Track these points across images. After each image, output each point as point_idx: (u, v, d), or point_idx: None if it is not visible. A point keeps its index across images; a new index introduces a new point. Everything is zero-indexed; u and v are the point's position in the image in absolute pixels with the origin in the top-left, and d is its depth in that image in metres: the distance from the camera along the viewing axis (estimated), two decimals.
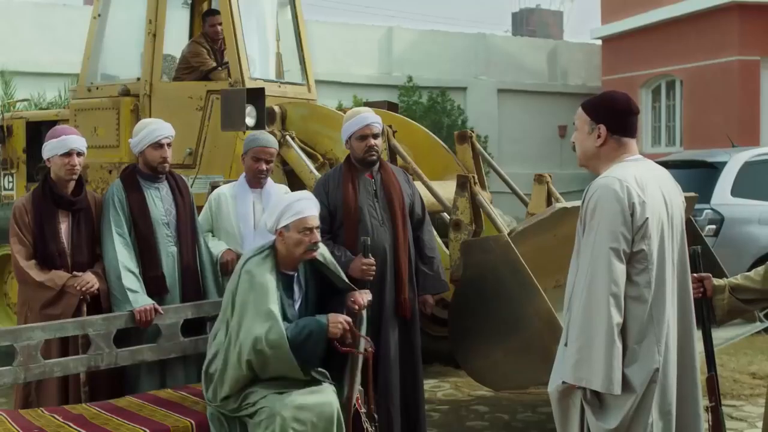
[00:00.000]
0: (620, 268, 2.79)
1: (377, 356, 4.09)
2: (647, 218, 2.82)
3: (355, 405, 3.72)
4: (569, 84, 20.04)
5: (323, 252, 3.81)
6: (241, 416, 3.53)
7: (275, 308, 3.53)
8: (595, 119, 2.96)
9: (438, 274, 4.55)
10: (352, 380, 3.72)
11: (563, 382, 2.87)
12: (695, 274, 3.21)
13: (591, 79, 19.80)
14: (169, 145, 4.40)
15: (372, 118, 4.39)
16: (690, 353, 3.01)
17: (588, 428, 2.86)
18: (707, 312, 3.29)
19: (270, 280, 3.59)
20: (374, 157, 4.36)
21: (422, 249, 4.55)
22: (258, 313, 3.52)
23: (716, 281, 3.38)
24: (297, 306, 3.72)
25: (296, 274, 3.76)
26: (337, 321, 3.58)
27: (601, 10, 18.95)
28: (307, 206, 3.70)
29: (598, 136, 2.96)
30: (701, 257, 3.37)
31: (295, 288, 3.75)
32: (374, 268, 4.09)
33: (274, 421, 3.38)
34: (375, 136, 4.35)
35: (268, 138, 4.77)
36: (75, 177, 4.24)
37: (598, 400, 2.83)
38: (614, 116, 2.96)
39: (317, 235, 3.71)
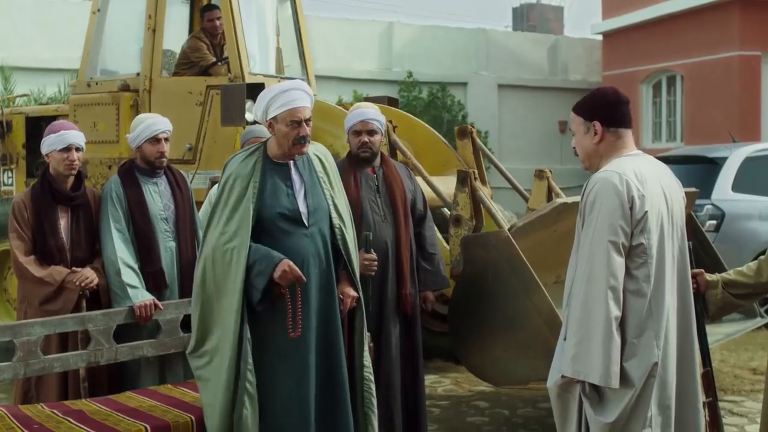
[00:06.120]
0: (619, 262, 2.79)
1: (378, 352, 4.08)
2: (646, 212, 2.82)
3: None
4: (570, 79, 20.01)
5: (344, 233, 3.59)
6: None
7: (246, 217, 3.38)
8: (588, 117, 2.98)
9: (439, 270, 4.54)
10: None
11: (562, 376, 2.87)
12: None
13: (591, 75, 19.78)
14: (166, 139, 4.39)
15: (369, 114, 4.34)
16: (690, 348, 3.01)
17: (586, 422, 2.86)
18: (700, 307, 3.29)
19: (245, 182, 3.42)
20: (367, 154, 4.32)
21: (423, 245, 4.54)
22: (226, 221, 3.39)
23: (709, 276, 3.38)
24: (300, 195, 3.50)
25: (292, 162, 3.54)
26: (284, 269, 3.32)
27: (602, 5, 18.93)
28: (297, 96, 3.45)
29: (595, 133, 2.98)
30: (698, 252, 3.37)
31: (295, 177, 3.54)
32: (376, 263, 4.08)
33: None
34: (370, 133, 4.31)
35: (262, 129, 4.77)
36: (74, 172, 4.23)
37: (597, 394, 2.83)
38: (605, 109, 2.98)
39: (306, 128, 3.46)
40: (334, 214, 3.58)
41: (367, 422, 3.59)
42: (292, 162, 3.55)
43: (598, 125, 2.97)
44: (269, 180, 3.49)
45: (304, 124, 3.47)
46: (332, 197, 3.61)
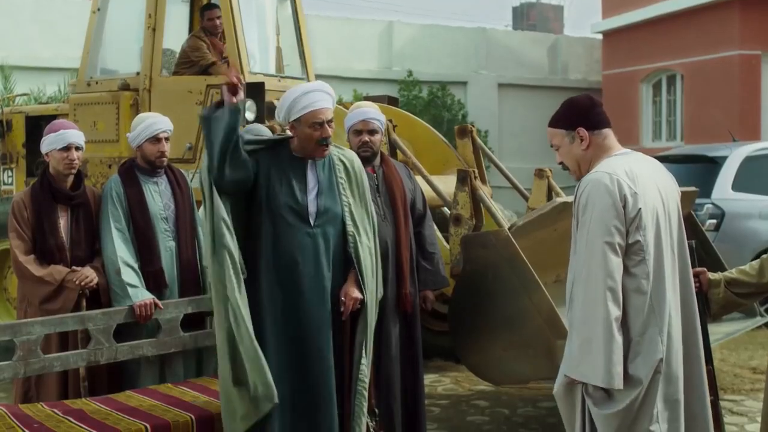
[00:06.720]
0: (616, 262, 2.79)
1: (378, 351, 4.07)
2: (640, 209, 2.82)
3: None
4: (570, 78, 20.01)
5: (357, 240, 3.55)
6: None
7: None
8: (571, 127, 2.99)
9: (438, 269, 4.53)
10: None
11: (566, 377, 2.87)
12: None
13: (591, 74, 19.78)
14: (167, 139, 4.39)
15: (370, 113, 4.34)
16: (695, 343, 3.00)
17: (591, 423, 2.85)
18: (703, 306, 3.29)
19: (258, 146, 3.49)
20: (367, 154, 4.31)
21: (423, 244, 4.53)
22: None
23: (712, 275, 3.38)
24: (313, 193, 3.51)
25: (311, 161, 3.55)
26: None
27: (602, 4, 18.93)
28: (320, 98, 3.47)
29: (582, 139, 2.98)
30: (698, 251, 3.36)
31: (310, 175, 3.54)
32: None
33: None
34: (371, 132, 4.31)
35: (260, 128, 4.76)
36: (74, 172, 4.23)
37: (605, 393, 2.82)
38: (585, 114, 2.99)
39: (329, 129, 3.47)
40: (348, 221, 3.55)
41: None
42: (310, 160, 3.55)
43: (583, 131, 2.97)
44: (284, 171, 3.49)
45: (326, 125, 3.48)
46: (349, 204, 3.58)
